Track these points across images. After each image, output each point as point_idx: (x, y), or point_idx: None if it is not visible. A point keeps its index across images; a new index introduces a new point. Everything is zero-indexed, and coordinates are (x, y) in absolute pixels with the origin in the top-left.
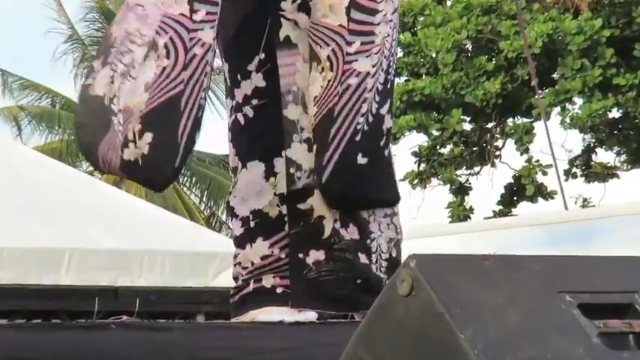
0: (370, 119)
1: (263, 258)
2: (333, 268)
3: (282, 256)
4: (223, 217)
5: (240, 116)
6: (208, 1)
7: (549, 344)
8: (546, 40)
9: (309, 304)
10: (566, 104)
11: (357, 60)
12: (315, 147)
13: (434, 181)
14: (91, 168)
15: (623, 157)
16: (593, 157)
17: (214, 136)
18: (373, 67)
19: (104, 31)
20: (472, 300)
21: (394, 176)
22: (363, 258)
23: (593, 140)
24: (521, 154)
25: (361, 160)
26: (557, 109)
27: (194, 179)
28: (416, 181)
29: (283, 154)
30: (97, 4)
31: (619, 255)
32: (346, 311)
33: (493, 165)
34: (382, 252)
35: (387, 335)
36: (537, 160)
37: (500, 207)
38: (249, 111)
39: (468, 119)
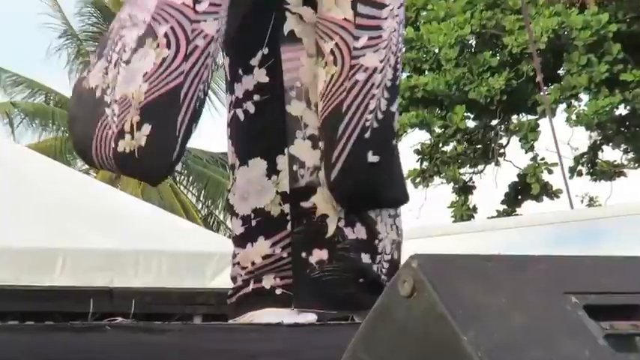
0: (380, 116)
1: (264, 257)
2: (336, 268)
3: (284, 255)
4: (221, 217)
5: (239, 112)
6: None
7: (554, 346)
8: (552, 36)
9: (312, 304)
10: (572, 101)
11: (364, 55)
12: (322, 144)
13: (436, 179)
14: (86, 166)
15: (631, 155)
16: (600, 155)
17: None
18: (381, 62)
19: (99, 25)
20: (475, 301)
21: (403, 175)
22: (365, 258)
23: (600, 138)
24: (526, 152)
25: (372, 158)
26: (563, 105)
27: (191, 178)
28: (418, 180)
29: (286, 151)
30: None
31: (626, 255)
32: (349, 311)
33: (497, 163)
34: (386, 253)
35: (388, 337)
36: (542, 159)
37: (505, 206)
38: (250, 107)
39: (472, 116)
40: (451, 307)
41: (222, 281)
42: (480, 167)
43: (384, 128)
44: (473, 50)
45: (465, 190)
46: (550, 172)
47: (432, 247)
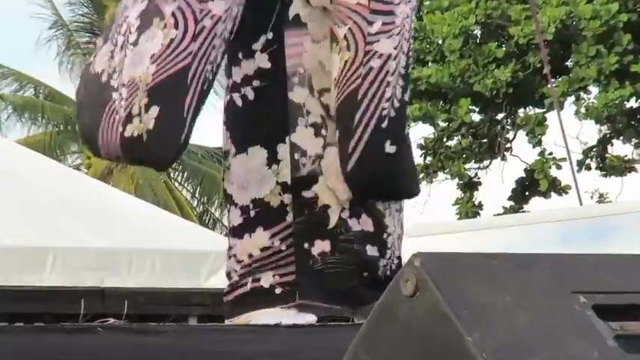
0: (396, 105)
1: (263, 250)
2: (339, 260)
3: (283, 248)
4: (217, 214)
5: (237, 97)
6: None
7: (562, 347)
8: (559, 26)
9: (314, 296)
10: (581, 93)
11: (378, 41)
12: (337, 133)
13: (440, 175)
14: (76, 162)
15: None
16: (610, 149)
17: (207, 128)
18: (394, 49)
19: (91, 16)
20: (480, 301)
21: (415, 166)
22: (372, 251)
23: (610, 131)
24: (534, 147)
25: (389, 148)
26: (572, 98)
27: (186, 174)
28: (421, 176)
29: (287, 139)
30: None
31: (637, 253)
32: (352, 306)
33: (503, 158)
34: (396, 249)
35: (391, 337)
36: (550, 153)
37: (511, 203)
38: (249, 92)
39: (477, 109)
40: (455, 306)
41: (218, 281)
42: (486, 162)
43: (400, 117)
44: (478, 41)
45: (470, 186)
46: (558, 167)
47: (436, 245)
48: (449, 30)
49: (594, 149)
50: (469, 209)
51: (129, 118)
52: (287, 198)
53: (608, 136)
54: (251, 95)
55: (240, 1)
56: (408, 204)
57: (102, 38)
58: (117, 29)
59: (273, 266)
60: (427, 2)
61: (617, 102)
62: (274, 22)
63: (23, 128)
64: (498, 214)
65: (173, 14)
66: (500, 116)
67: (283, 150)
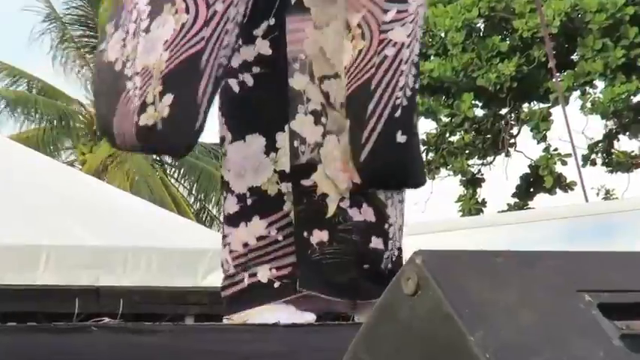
0: (408, 94)
1: (259, 239)
2: (336, 250)
3: (280, 238)
4: (214, 211)
5: (234, 82)
6: None
7: (566, 347)
8: (565, 19)
9: (314, 287)
10: (587, 88)
11: (392, 29)
12: (348, 122)
13: (443, 171)
14: (70, 158)
15: None
16: (616, 144)
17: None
18: (408, 37)
19: (85, 8)
20: (483, 299)
21: (421, 155)
22: (377, 243)
23: (616, 127)
24: (538, 143)
25: (400, 137)
26: (577, 93)
27: (182, 170)
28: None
29: (286, 127)
30: None
31: None
32: (350, 298)
33: (507, 154)
34: (397, 240)
35: (391, 337)
36: (555, 149)
37: (516, 199)
38: (247, 79)
39: (480, 104)
40: (457, 305)
41: (216, 280)
42: (490, 158)
43: (412, 106)
44: (481, 34)
45: (473, 182)
46: (564, 163)
47: (438, 243)
48: (451, 23)
49: (600, 144)
50: (472, 206)
51: (143, 107)
52: (285, 187)
53: (614, 131)
54: (250, 82)
55: None
56: (408, 201)
57: (112, 24)
58: (127, 16)
59: (270, 258)
60: None
61: (623, 96)
62: (277, 8)
63: (16, 123)
64: (502, 211)
65: None
66: (504, 111)
67: (282, 138)
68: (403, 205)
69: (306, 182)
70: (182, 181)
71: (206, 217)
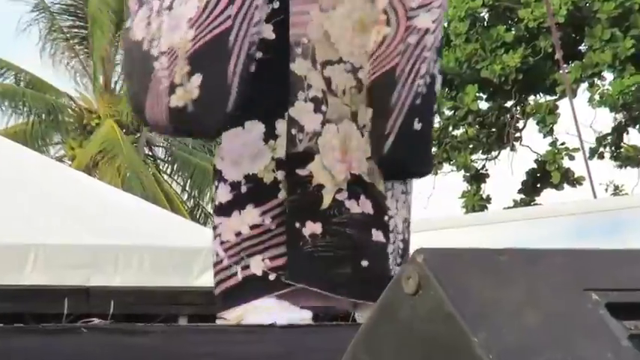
0: (428, 81)
1: (252, 227)
2: (329, 244)
3: (273, 227)
4: (209, 208)
5: None
6: None
7: (573, 349)
8: (572, 8)
9: (304, 280)
10: (595, 79)
11: (418, 15)
12: (371, 111)
13: (446, 166)
14: (59, 153)
15: None
16: (625, 138)
17: None
18: (433, 22)
19: None
20: (486, 299)
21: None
22: (378, 235)
23: (625, 120)
24: (545, 137)
25: (417, 125)
26: (585, 85)
27: (176, 166)
28: None
29: (286, 114)
30: None
31: None
32: (343, 296)
33: (513, 148)
34: (399, 232)
35: (392, 338)
36: (563, 143)
37: (522, 196)
38: None
39: (485, 97)
40: (460, 305)
41: (210, 279)
42: (494, 153)
43: (431, 94)
44: (485, 24)
45: (477, 178)
46: (571, 157)
47: (441, 241)
48: (454, 12)
49: (609, 138)
50: (476, 202)
51: (172, 88)
52: (281, 174)
53: (623, 124)
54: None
55: None
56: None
57: (135, 0)
58: None
59: (264, 247)
60: None
61: (633, 89)
62: None
63: (3, 118)
64: (507, 208)
65: None
66: (509, 104)
67: (282, 126)
68: (408, 197)
69: (301, 171)
70: (175, 177)
71: (200, 214)
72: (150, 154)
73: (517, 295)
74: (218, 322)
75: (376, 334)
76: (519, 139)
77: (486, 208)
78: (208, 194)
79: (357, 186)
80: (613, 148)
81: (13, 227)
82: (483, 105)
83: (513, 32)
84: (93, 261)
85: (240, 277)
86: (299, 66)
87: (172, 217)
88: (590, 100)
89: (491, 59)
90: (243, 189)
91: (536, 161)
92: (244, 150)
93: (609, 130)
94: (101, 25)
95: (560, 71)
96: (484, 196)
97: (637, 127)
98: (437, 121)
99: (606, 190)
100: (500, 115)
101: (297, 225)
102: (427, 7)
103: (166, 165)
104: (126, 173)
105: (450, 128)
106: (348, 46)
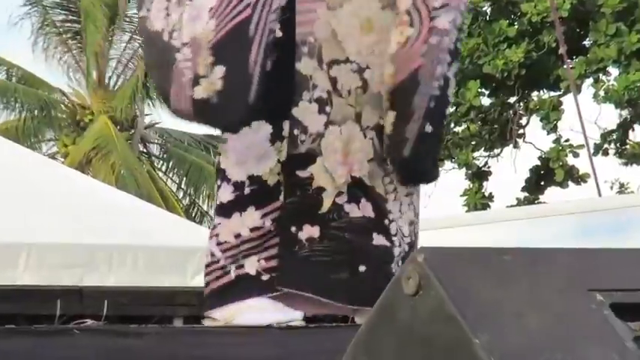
0: (442, 83)
1: (252, 230)
2: (326, 248)
3: (272, 229)
4: (204, 207)
5: None
6: None
7: (577, 350)
8: (576, 2)
9: (298, 285)
10: (600, 75)
11: (439, 16)
12: (394, 114)
13: (447, 164)
14: (52, 150)
15: None
16: (631, 135)
17: None
18: (449, 22)
19: None
20: (488, 300)
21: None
22: (380, 239)
23: (631, 116)
24: (548, 133)
25: (428, 128)
26: (589, 80)
27: (171, 163)
28: None
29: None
30: None
31: None
32: (340, 302)
33: (516, 145)
34: (404, 235)
35: (391, 340)
36: (567, 140)
37: (525, 194)
38: None
39: (487, 93)
40: (461, 306)
41: None
42: (497, 150)
43: (444, 96)
44: (487, 18)
45: (479, 175)
46: (575, 155)
47: (443, 241)
48: None
49: (614, 134)
50: (478, 201)
51: (196, 80)
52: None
53: (629, 120)
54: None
55: None
56: None
57: None
58: None
59: (260, 249)
60: None
61: (638, 84)
62: None
63: None
64: (511, 206)
65: None
66: (512, 100)
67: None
68: (412, 198)
69: (301, 173)
70: (171, 175)
71: (196, 212)
72: (144, 151)
73: (520, 295)
74: (205, 321)
75: (376, 335)
76: (522, 135)
77: (488, 206)
78: (204, 192)
79: (357, 189)
80: (618, 145)
81: (4, 226)
82: (486, 101)
83: (516, 27)
84: (86, 260)
85: (233, 275)
86: (305, 65)
87: (167, 216)
88: (595, 95)
89: (494, 54)
90: (247, 190)
91: (539, 158)
92: (250, 150)
93: (614, 127)
94: (94, 19)
95: (564, 66)
96: (486, 195)
97: None
98: None
99: (611, 187)
100: (502, 112)
101: (294, 229)
102: (447, 7)
103: (161, 162)
104: (120, 170)
105: (452, 125)
106: (355, 45)
